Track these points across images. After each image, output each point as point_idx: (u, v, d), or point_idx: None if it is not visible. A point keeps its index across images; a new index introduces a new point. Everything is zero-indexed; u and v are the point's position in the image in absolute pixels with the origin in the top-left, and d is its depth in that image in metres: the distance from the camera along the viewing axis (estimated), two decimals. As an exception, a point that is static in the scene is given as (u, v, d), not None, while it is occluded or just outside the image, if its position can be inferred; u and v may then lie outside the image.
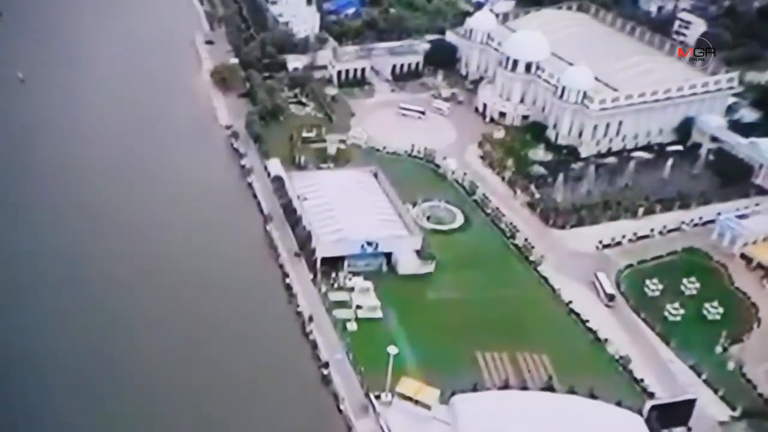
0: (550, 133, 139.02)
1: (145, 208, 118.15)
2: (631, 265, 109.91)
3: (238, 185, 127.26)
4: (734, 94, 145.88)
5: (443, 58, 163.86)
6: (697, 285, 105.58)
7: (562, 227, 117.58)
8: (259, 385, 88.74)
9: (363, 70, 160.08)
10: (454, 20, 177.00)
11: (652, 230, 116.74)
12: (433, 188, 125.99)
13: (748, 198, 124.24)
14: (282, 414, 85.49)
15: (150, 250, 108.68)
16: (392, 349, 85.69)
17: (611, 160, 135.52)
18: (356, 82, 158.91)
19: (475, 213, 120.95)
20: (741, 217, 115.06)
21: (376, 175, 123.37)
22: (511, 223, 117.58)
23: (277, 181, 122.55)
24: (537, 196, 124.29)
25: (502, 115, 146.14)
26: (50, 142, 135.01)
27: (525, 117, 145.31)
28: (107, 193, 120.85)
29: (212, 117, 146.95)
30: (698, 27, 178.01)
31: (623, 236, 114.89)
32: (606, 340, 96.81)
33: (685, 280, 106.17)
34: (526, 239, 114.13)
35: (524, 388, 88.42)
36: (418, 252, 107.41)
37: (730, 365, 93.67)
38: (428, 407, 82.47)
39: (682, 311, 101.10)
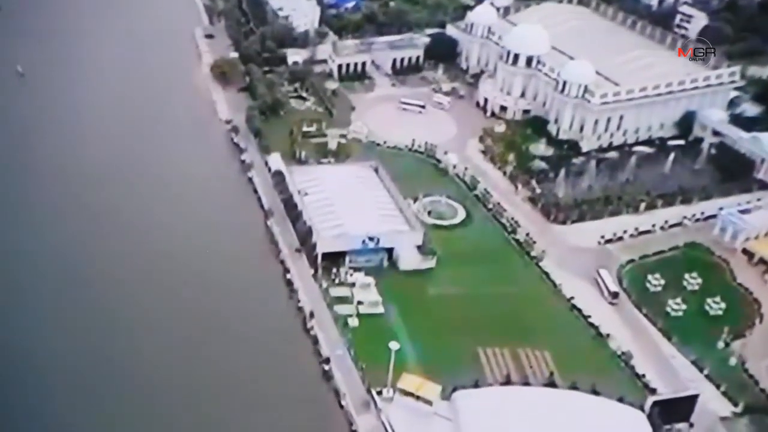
0: (551, 128, 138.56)
1: (145, 203, 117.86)
2: (632, 261, 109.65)
3: (238, 180, 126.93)
4: (736, 88, 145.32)
5: (444, 52, 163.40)
6: (699, 280, 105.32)
7: (564, 222, 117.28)
8: (259, 381, 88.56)
9: (363, 64, 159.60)
10: (454, 14, 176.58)
11: (653, 225, 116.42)
12: (434, 183, 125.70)
13: (749, 193, 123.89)
14: (283, 410, 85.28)
15: (149, 246, 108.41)
16: (393, 345, 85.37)
17: (612, 154, 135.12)
18: (356, 76, 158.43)
19: (476, 208, 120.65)
20: (743, 211, 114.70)
21: (376, 170, 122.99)
22: (512, 218, 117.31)
23: (278, 176, 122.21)
24: (538, 191, 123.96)
25: (503, 109, 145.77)
26: (49, 136, 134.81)
27: (526, 111, 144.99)
28: (106, 189, 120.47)
29: (212, 111, 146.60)
30: (699, 21, 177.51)
31: (625, 231, 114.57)
32: (608, 335, 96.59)
33: (686, 276, 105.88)
34: (527, 234, 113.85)
35: (526, 384, 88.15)
36: (419, 247, 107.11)
37: (732, 361, 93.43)
38: (429, 403, 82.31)
39: (683, 307, 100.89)
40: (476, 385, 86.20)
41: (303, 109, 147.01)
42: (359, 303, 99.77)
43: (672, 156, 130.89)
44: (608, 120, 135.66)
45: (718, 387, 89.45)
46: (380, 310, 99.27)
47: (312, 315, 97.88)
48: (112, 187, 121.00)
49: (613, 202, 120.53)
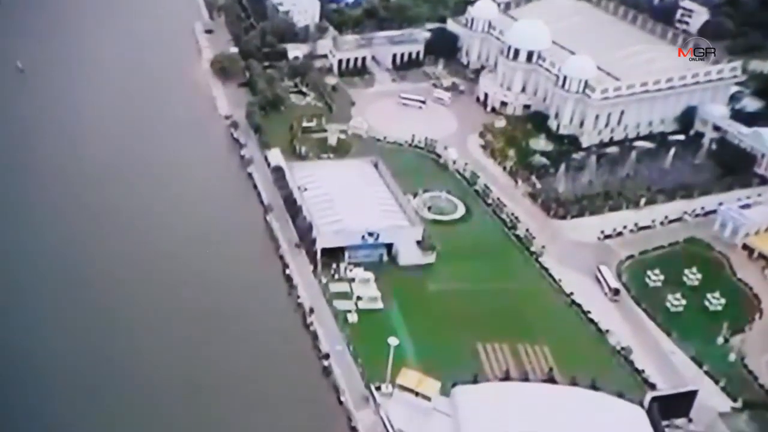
0: (552, 123, 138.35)
1: (144, 198, 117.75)
2: (632, 256, 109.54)
3: (238, 176, 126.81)
4: (737, 84, 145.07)
5: (444, 47, 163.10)
6: (699, 276, 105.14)
7: (564, 217, 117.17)
8: (259, 377, 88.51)
9: (363, 59, 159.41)
10: (455, 9, 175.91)
11: (653, 221, 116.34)
12: (434, 178, 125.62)
13: (750, 188, 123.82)
14: (282, 405, 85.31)
15: (148, 241, 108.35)
16: (393, 341, 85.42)
17: (613, 149, 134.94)
18: (357, 71, 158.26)
19: (476, 203, 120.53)
20: (743, 207, 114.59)
21: (376, 166, 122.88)
22: (512, 214, 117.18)
23: (278, 171, 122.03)
24: (538, 186, 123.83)
25: (504, 104, 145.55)
26: (49, 131, 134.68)
27: (526, 106, 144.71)
28: (105, 185, 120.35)
29: (212, 107, 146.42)
30: (701, 15, 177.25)
31: (624, 227, 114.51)
32: (607, 331, 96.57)
33: (686, 271, 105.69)
34: (527, 230, 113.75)
35: (525, 379, 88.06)
36: (419, 243, 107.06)
37: (732, 356, 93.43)
38: (429, 399, 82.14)
39: (683, 302, 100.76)
40: (475, 381, 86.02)
41: (303, 104, 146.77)
42: (359, 298, 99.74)
43: (672, 151, 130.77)
44: (609, 115, 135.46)
45: (717, 382, 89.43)
46: (379, 305, 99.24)
47: (311, 311, 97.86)
48: (111, 183, 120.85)
49: (613, 197, 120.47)
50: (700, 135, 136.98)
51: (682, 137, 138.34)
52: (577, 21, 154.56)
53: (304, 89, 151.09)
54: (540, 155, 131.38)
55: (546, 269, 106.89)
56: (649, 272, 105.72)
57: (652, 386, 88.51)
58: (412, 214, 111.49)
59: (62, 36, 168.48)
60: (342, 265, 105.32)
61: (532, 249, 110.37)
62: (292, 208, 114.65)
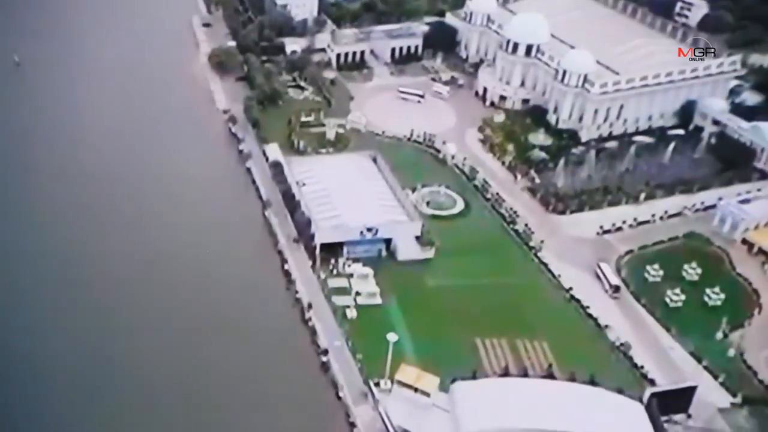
0: (551, 117, 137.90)
1: (141, 194, 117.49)
2: (631, 251, 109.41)
3: (236, 170, 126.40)
4: (737, 77, 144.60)
5: (443, 41, 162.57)
6: (698, 271, 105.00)
7: (563, 212, 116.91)
8: (257, 372, 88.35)
9: (362, 53, 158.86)
10: (453, 2, 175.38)
11: (652, 215, 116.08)
12: (432, 173, 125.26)
13: (749, 182, 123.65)
14: (281, 401, 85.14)
15: (145, 236, 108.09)
16: (392, 336, 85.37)
17: (612, 144, 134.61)
18: (355, 65, 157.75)
19: (475, 198, 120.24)
20: (743, 201, 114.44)
21: (375, 160, 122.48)
22: (511, 209, 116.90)
23: (276, 166, 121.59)
24: (537, 181, 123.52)
25: (503, 98, 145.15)
26: (46, 124, 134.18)
27: (525, 101, 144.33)
28: (102, 180, 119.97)
29: (210, 101, 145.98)
30: (700, 9, 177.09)
31: (624, 221, 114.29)
32: (606, 326, 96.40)
33: (686, 266, 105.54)
34: (526, 225, 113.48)
35: (524, 375, 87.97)
36: (417, 238, 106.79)
37: (731, 352, 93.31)
38: (428, 394, 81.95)
39: (683, 297, 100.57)
40: (474, 377, 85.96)
41: (301, 98, 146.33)
42: (357, 294, 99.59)
43: (672, 146, 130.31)
44: (608, 109, 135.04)
45: (716, 378, 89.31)
46: (378, 301, 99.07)
47: (310, 306, 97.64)
48: (108, 178, 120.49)
49: (613, 192, 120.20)
50: (699, 129, 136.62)
51: (681, 132, 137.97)
52: (576, 15, 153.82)
53: (303, 83, 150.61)
54: (539, 150, 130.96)
55: (545, 264, 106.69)
56: (648, 267, 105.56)
57: (652, 382, 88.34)
58: (411, 209, 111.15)
59: (59, 30, 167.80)
60: (341, 261, 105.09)
61: (531, 244, 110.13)
62: (291, 203, 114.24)
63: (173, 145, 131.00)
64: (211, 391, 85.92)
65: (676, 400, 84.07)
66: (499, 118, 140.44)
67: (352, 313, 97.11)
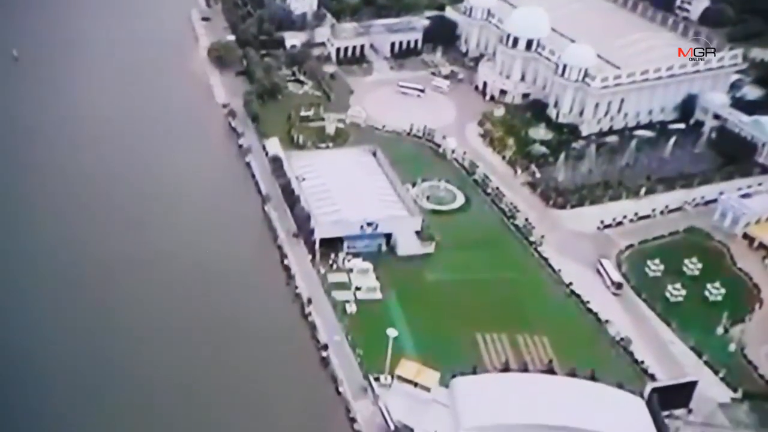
0: (551, 112, 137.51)
1: (140, 188, 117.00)
2: (632, 246, 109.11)
3: (235, 165, 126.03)
4: (738, 72, 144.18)
5: (443, 35, 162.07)
6: (699, 266, 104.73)
7: (563, 207, 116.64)
8: (257, 367, 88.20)
9: (362, 47, 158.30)
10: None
11: (653, 210, 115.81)
12: (432, 168, 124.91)
13: (750, 177, 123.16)
14: (280, 396, 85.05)
15: (144, 231, 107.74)
16: (391, 331, 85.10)
17: (612, 138, 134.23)
18: (355, 59, 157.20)
19: (475, 193, 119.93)
20: (743, 196, 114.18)
21: (375, 155, 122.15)
22: (511, 203, 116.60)
23: (276, 161, 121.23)
24: (538, 175, 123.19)
25: (503, 93, 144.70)
26: (44, 119, 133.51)
27: (526, 95, 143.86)
28: (101, 174, 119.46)
29: (209, 95, 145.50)
30: (701, 2, 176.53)
31: (624, 216, 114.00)
32: (607, 321, 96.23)
33: (686, 261, 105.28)
34: (526, 219, 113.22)
35: (524, 370, 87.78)
36: (417, 233, 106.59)
37: (732, 347, 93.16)
38: (428, 389, 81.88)
39: (683, 292, 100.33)
40: (474, 372, 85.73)
41: (301, 93, 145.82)
42: (357, 289, 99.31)
43: (672, 140, 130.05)
44: (608, 104, 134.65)
45: (717, 373, 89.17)
46: (378, 296, 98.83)
47: (310, 301, 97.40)
48: (107, 173, 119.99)
49: (613, 186, 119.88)
50: (700, 124, 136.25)
51: (682, 126, 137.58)
52: (577, 8, 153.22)
53: (302, 78, 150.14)
54: (539, 144, 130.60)
55: (545, 259, 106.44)
56: (648, 262, 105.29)
57: (652, 377, 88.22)
58: (411, 203, 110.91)
59: (58, 24, 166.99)
60: (340, 255, 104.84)
61: (532, 239, 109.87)
62: (290, 197, 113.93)
63: (172, 140, 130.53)
64: (210, 387, 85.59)
65: (677, 395, 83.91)
66: (500, 112, 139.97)
67: (351, 308, 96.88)
